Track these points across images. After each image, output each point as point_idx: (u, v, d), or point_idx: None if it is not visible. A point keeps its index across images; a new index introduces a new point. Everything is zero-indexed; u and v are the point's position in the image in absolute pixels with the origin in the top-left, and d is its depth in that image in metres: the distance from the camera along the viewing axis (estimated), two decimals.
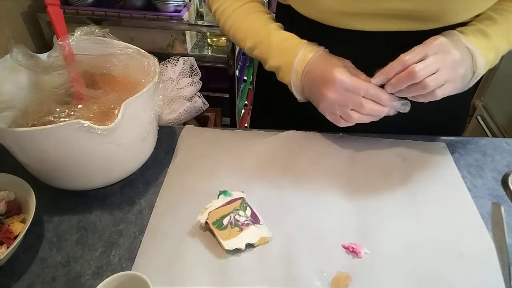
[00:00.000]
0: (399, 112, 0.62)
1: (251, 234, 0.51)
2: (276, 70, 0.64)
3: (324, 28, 0.61)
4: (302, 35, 0.66)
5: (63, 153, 0.51)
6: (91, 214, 0.56)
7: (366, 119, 0.59)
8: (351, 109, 0.57)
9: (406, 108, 0.58)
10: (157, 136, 0.65)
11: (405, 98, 0.57)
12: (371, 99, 0.56)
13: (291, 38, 0.64)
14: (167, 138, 0.69)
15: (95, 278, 0.48)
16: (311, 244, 0.52)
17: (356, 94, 0.56)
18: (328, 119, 0.61)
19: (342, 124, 0.60)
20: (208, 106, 1.00)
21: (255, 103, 0.88)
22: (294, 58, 0.61)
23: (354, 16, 0.58)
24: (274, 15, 0.76)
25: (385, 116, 0.70)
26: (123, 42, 0.62)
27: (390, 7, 0.55)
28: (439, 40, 0.53)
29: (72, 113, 0.51)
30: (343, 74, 0.56)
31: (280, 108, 0.77)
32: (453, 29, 0.57)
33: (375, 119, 0.59)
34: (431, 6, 0.54)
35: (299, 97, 0.64)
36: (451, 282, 0.48)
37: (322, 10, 0.60)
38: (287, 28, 0.71)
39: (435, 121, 0.71)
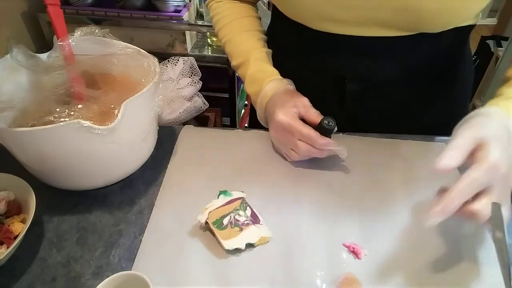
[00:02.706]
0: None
1: (251, 234, 0.51)
2: (250, 95, 0.68)
3: (311, 32, 0.62)
4: (292, 37, 0.67)
5: (63, 153, 0.51)
6: (91, 214, 0.56)
7: (306, 158, 0.61)
8: (291, 148, 0.60)
9: (343, 154, 0.59)
10: (157, 136, 0.65)
11: None
12: (306, 142, 0.58)
13: (265, 70, 0.66)
14: (167, 138, 0.69)
15: (95, 278, 0.48)
16: (311, 244, 0.52)
17: (292, 135, 0.59)
18: None
19: (289, 159, 0.63)
20: (208, 106, 1.00)
21: None
22: (260, 91, 0.64)
23: (332, 21, 0.59)
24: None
25: (385, 116, 0.71)
26: (123, 42, 0.63)
27: (367, 16, 0.56)
28: (498, 166, 0.44)
29: (72, 113, 0.51)
30: (283, 115, 0.58)
31: None
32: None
33: (322, 156, 0.60)
34: (407, 17, 0.55)
35: (265, 126, 0.68)
36: (451, 282, 0.48)
37: (301, 13, 0.62)
38: (280, 29, 0.72)
39: (435, 121, 0.71)
